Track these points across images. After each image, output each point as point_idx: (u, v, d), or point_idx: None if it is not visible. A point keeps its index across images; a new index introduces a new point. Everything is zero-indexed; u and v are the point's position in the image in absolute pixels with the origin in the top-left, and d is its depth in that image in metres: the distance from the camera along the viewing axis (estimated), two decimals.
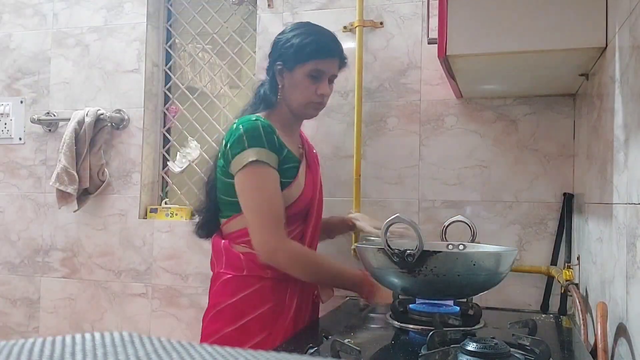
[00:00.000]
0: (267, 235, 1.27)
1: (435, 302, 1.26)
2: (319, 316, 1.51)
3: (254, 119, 1.32)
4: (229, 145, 1.31)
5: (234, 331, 1.32)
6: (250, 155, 1.27)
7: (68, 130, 1.97)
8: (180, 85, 2.13)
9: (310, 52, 1.33)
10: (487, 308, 1.52)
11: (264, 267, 1.33)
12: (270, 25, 1.89)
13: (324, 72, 1.36)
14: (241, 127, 1.30)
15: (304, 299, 1.42)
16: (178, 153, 2.09)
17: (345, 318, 1.44)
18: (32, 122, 2.10)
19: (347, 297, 1.77)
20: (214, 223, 1.42)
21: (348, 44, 1.83)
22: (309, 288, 1.44)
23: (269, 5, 1.90)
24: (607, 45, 1.16)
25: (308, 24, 1.44)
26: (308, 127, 1.84)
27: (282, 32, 1.41)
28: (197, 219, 1.48)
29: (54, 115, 2.11)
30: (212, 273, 1.44)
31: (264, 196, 1.28)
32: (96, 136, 2.00)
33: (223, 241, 1.38)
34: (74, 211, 2.03)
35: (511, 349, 0.90)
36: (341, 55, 1.40)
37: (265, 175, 1.29)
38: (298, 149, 1.42)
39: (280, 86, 1.38)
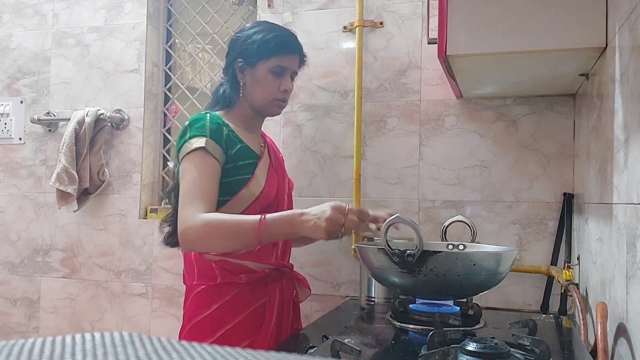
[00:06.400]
0: (183, 214, 1.18)
1: (435, 302, 1.26)
2: (301, 318, 1.48)
3: (206, 112, 1.31)
4: (177, 141, 1.30)
5: (213, 342, 1.20)
6: (191, 144, 1.24)
7: (68, 130, 1.97)
8: (180, 85, 2.13)
9: (272, 48, 1.31)
10: (487, 308, 1.52)
11: (237, 272, 1.29)
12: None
13: (286, 68, 1.34)
14: (188, 121, 1.30)
15: (285, 303, 1.37)
16: None
17: (345, 318, 1.44)
18: (32, 122, 2.10)
19: (347, 297, 1.77)
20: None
21: (348, 44, 1.83)
22: (289, 290, 1.40)
23: (269, 6, 1.90)
24: (607, 45, 1.16)
25: (267, 22, 1.43)
26: (308, 128, 1.85)
27: (241, 31, 1.38)
28: (166, 228, 1.38)
29: (54, 115, 2.11)
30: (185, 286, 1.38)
31: (192, 179, 1.21)
32: (96, 136, 2.00)
33: (194, 252, 1.33)
34: (74, 211, 2.03)
35: (511, 349, 0.90)
36: (301, 52, 1.38)
37: (201, 161, 1.23)
38: (259, 146, 1.38)
39: (241, 84, 1.35)
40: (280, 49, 1.32)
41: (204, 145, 1.23)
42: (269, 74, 1.32)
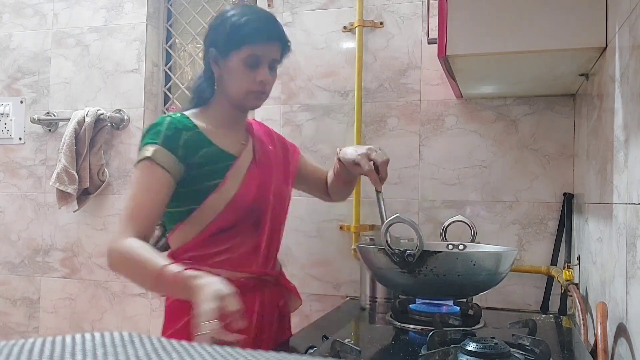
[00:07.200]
0: (116, 232, 1.10)
1: (435, 302, 1.26)
2: (291, 329, 1.34)
3: (169, 115, 1.19)
4: None
5: None
6: (143, 152, 1.14)
7: (68, 130, 1.97)
8: (180, 85, 2.13)
9: (243, 37, 1.15)
10: (487, 308, 1.52)
11: None
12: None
13: (262, 58, 1.18)
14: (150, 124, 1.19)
15: (267, 315, 1.23)
16: None
17: (345, 318, 1.44)
18: (32, 122, 2.10)
19: (347, 297, 1.77)
20: (164, 237, 1.27)
21: (348, 44, 1.83)
22: (272, 300, 1.25)
23: (268, 5, 1.90)
24: (607, 45, 1.16)
25: (246, 5, 1.28)
26: (308, 128, 1.85)
27: (220, 14, 1.22)
28: (156, 232, 1.29)
29: (54, 115, 2.11)
30: None
31: (133, 193, 1.13)
32: (96, 136, 2.00)
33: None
34: (74, 211, 2.03)
35: (511, 349, 0.90)
36: (281, 38, 1.21)
37: (148, 173, 1.13)
38: (239, 145, 1.24)
39: (216, 75, 1.21)
40: (252, 37, 1.16)
41: (150, 155, 1.13)
42: (242, 65, 1.17)
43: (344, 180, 1.38)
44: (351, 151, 1.26)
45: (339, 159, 1.31)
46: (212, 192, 1.16)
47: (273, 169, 1.28)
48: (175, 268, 0.99)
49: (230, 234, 1.19)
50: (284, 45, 1.22)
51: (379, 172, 1.22)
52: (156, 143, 1.14)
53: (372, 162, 1.22)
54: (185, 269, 0.98)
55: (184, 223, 1.19)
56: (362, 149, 1.24)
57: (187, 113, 1.22)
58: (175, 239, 1.21)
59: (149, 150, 1.13)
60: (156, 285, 1.03)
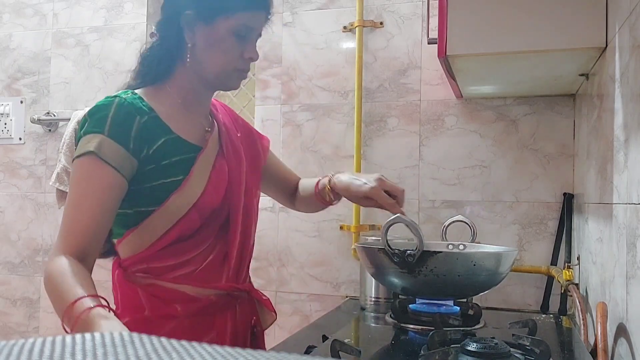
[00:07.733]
0: (53, 249, 0.89)
1: (435, 302, 1.26)
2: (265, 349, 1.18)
3: (117, 95, 0.97)
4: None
5: None
6: (84, 144, 0.91)
7: (68, 130, 1.96)
8: None
9: (237, 1, 0.98)
10: (487, 308, 1.52)
11: (171, 302, 0.99)
12: (270, 25, 1.89)
13: (253, 29, 1.01)
14: (92, 107, 0.96)
15: (240, 336, 1.07)
16: None
17: (345, 318, 1.44)
18: (32, 122, 2.10)
19: (347, 297, 1.77)
20: (109, 241, 1.03)
21: (348, 44, 1.84)
22: (246, 318, 1.09)
23: None
24: (607, 45, 1.16)
25: None
26: (308, 128, 1.85)
27: None
28: None
29: (54, 115, 2.11)
30: None
31: (75, 198, 0.91)
32: None
33: (117, 271, 1.03)
34: None
35: (511, 349, 0.90)
36: (270, 6, 1.04)
37: (91, 173, 0.91)
38: (203, 132, 1.05)
39: (189, 45, 0.99)
40: (250, 2, 0.99)
41: (94, 149, 0.90)
42: (232, 36, 0.98)
43: (327, 204, 1.22)
44: (357, 183, 1.11)
45: (332, 188, 1.16)
46: (173, 192, 0.96)
47: (243, 161, 1.09)
48: (89, 302, 0.77)
49: (194, 241, 1.00)
50: (267, 17, 1.04)
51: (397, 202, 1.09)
52: (101, 133, 0.91)
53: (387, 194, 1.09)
54: (97, 306, 0.76)
55: (136, 229, 0.98)
56: (371, 180, 1.09)
57: (138, 92, 1.00)
58: (125, 247, 1.01)
59: (92, 143, 0.91)
60: (67, 320, 0.77)
